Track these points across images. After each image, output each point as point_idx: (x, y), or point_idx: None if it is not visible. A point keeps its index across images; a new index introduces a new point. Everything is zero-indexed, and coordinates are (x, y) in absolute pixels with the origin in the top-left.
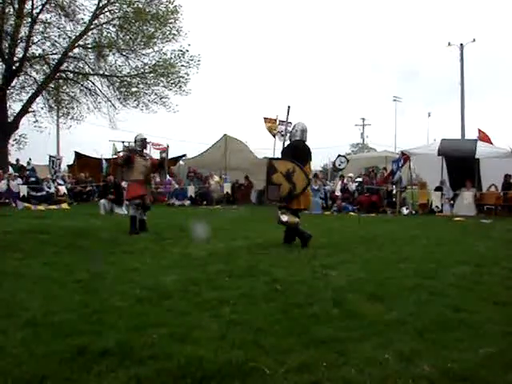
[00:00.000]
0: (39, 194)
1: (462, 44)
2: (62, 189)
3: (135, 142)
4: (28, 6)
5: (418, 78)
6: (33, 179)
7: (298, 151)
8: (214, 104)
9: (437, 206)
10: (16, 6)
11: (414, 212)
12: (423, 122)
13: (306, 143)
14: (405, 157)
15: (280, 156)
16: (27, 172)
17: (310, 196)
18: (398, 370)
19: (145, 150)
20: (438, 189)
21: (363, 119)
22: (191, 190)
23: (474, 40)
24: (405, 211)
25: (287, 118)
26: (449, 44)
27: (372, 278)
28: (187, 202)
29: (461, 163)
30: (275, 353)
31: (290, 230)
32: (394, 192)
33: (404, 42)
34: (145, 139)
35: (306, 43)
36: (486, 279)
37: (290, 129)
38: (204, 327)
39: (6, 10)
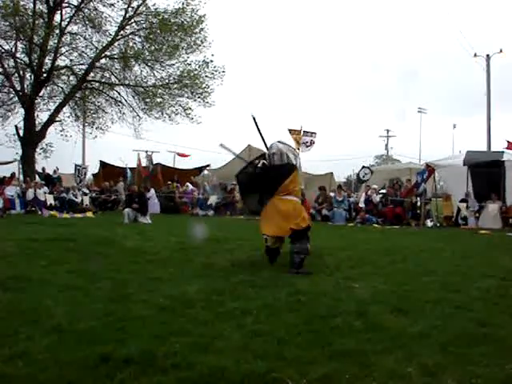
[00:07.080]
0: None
1: (488, 55)
2: (87, 198)
3: None
4: (57, 18)
5: (443, 89)
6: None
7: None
8: (237, 114)
9: (462, 219)
10: (46, 18)
11: (438, 224)
12: (448, 134)
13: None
14: (429, 169)
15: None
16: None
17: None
18: None
19: None
20: (463, 201)
21: (387, 130)
22: (212, 200)
23: (501, 51)
24: (429, 223)
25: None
26: (475, 55)
27: (396, 290)
28: (211, 212)
29: (486, 175)
30: (298, 364)
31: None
32: (419, 204)
33: (429, 54)
34: None
35: (331, 54)
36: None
37: (314, 139)
38: (226, 337)
39: (36, 22)
